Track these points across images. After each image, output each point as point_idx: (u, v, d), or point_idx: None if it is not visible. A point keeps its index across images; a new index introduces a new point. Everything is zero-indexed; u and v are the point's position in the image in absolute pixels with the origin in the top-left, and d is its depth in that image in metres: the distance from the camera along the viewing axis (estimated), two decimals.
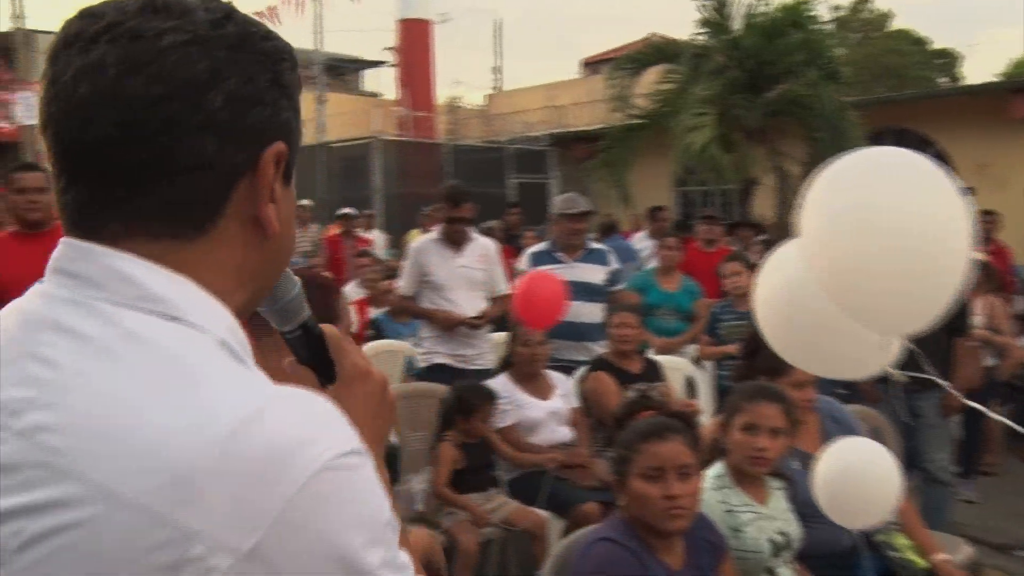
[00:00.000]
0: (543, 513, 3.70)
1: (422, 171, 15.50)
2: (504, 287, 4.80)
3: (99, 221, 0.70)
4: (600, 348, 4.57)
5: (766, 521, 2.46)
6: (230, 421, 0.61)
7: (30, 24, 17.89)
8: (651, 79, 11.20)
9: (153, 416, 0.61)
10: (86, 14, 0.71)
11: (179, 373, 0.64)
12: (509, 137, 17.81)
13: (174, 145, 0.68)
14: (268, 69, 0.74)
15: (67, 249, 0.71)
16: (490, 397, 3.86)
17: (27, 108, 14.03)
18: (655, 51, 11.43)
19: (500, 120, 18.86)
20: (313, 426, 0.65)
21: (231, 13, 0.73)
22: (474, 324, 4.54)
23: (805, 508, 2.48)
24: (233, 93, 0.70)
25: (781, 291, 1.96)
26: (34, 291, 0.71)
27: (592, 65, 24.63)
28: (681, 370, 4.97)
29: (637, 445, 2.11)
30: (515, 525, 3.67)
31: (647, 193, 11.49)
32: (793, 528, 2.51)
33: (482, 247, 4.76)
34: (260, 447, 0.61)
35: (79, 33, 0.69)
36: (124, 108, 0.67)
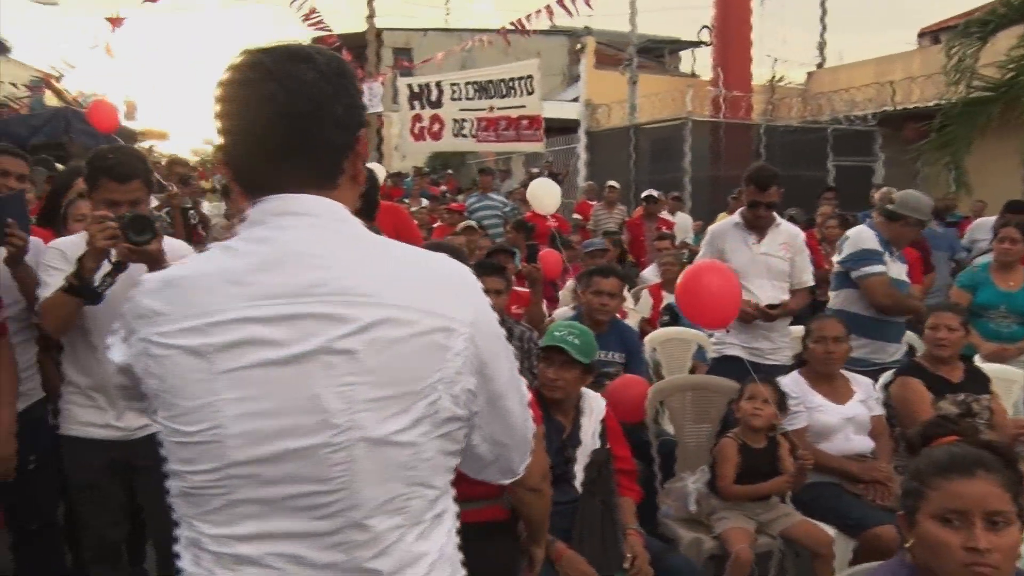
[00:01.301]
0: (830, 530, 3.36)
1: (734, 153, 14.97)
2: (809, 278, 4.46)
3: (290, 184, 1.23)
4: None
5: None
6: (439, 266, 1.27)
7: (378, 24, 19.87)
8: (1002, 45, 9.74)
9: (403, 268, 1.24)
10: (251, 63, 1.22)
11: (388, 248, 1.27)
12: (830, 117, 16.60)
13: (321, 138, 1.23)
14: (355, 85, 1.27)
15: (283, 202, 1.22)
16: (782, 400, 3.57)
17: (372, 98, 15.62)
18: (1012, 9, 9.87)
19: (821, 99, 17.63)
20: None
21: (333, 55, 1.26)
22: (769, 315, 4.23)
23: None
24: (345, 103, 1.24)
25: None
26: (280, 227, 1.21)
27: (931, 34, 22.15)
28: (1016, 382, 4.27)
29: (933, 479, 1.72)
30: (796, 540, 3.37)
31: (989, 178, 10.07)
32: None
33: (786, 234, 4.44)
34: (460, 273, 1.28)
35: (252, 77, 1.21)
36: (300, 115, 1.21)
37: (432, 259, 1.28)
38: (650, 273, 7.53)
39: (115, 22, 11.04)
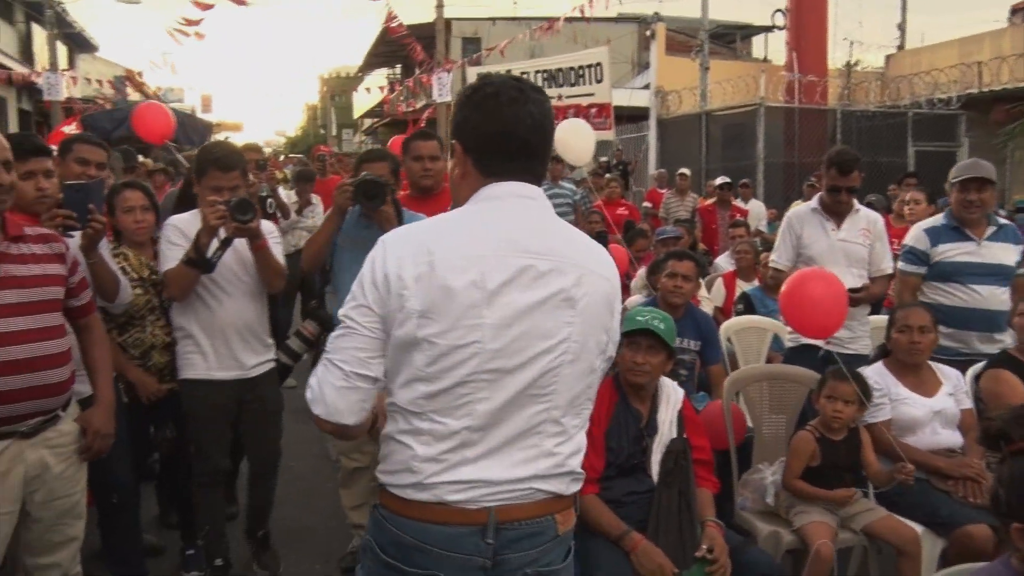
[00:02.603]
0: (916, 527, 3.24)
1: (809, 140, 14.59)
2: (888, 265, 4.32)
3: (522, 175, 1.72)
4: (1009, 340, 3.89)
5: None
6: (598, 246, 1.80)
7: (447, 13, 19.92)
8: None
9: (595, 255, 1.74)
10: (511, 87, 1.70)
11: (573, 229, 1.80)
12: (911, 101, 16.03)
13: (548, 146, 1.75)
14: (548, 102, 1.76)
15: (521, 187, 1.70)
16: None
17: (441, 88, 15.65)
18: None
19: (901, 82, 17.03)
20: None
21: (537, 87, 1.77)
22: (851, 299, 4.09)
23: None
24: (549, 120, 1.74)
25: None
26: (519, 205, 1.70)
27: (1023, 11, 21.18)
28: None
29: None
30: (880, 536, 3.26)
31: None
32: None
33: (866, 220, 4.31)
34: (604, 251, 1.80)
35: (516, 97, 1.68)
36: (544, 131, 1.73)
37: (589, 240, 1.80)
38: (723, 261, 7.39)
39: (192, 23, 11.29)
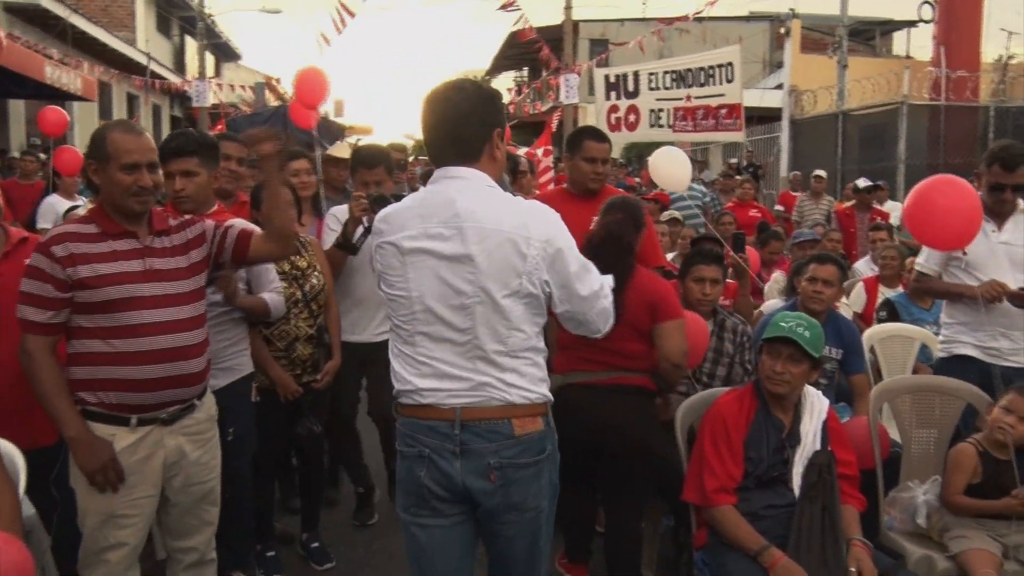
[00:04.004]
0: None
1: (956, 139, 13.71)
2: None
3: (451, 160, 2.26)
4: None
5: None
6: (532, 206, 2.26)
7: (575, 15, 19.87)
8: None
9: (512, 216, 2.18)
10: (436, 90, 2.26)
11: (505, 199, 2.25)
12: None
13: (475, 131, 2.24)
14: (496, 101, 2.29)
15: (447, 170, 2.26)
16: None
17: (569, 89, 15.63)
18: None
19: None
20: None
21: (481, 86, 2.33)
22: (1021, 296, 3.76)
23: None
24: (491, 113, 2.26)
25: None
26: (444, 184, 2.26)
27: None
28: None
29: None
30: None
31: None
32: None
33: None
34: (543, 210, 2.24)
35: (433, 98, 2.25)
36: (467, 120, 2.24)
37: (531, 203, 2.29)
38: (863, 266, 7.03)
39: (339, 25, 11.65)
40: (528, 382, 2.21)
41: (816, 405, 2.98)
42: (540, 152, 9.84)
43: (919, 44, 24.69)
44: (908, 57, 22.87)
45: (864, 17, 24.11)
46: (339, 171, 5.08)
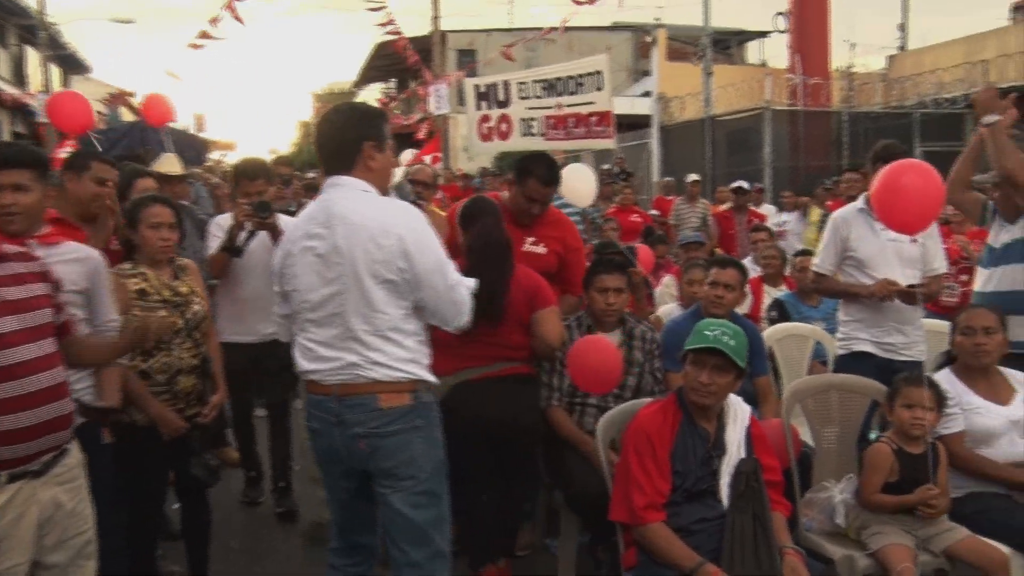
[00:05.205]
0: (1004, 549, 3.00)
1: (814, 143, 14.41)
2: (942, 265, 4.10)
3: (333, 170, 2.69)
4: None
5: None
6: (398, 205, 2.73)
7: (443, 26, 19.75)
8: None
9: (375, 213, 2.57)
10: (328, 112, 2.79)
11: (374, 200, 2.62)
12: (915, 101, 15.85)
13: (352, 146, 2.64)
14: (375, 118, 2.73)
15: (332, 179, 2.67)
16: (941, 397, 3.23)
17: (438, 100, 15.45)
18: None
19: (905, 83, 16.88)
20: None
21: (356, 107, 2.93)
22: (911, 294, 3.85)
23: None
24: (361, 128, 2.66)
25: None
26: (328, 191, 2.68)
27: None
28: None
29: None
30: (964, 559, 3.02)
31: None
32: None
33: None
34: (406, 207, 2.70)
35: (326, 118, 2.75)
36: (341, 136, 2.67)
37: (398, 203, 2.71)
38: (746, 267, 7.16)
39: (206, 36, 11.09)
40: (394, 361, 2.52)
41: (739, 412, 2.91)
42: (429, 159, 9.65)
43: (772, 54, 25.91)
44: (764, 65, 23.93)
45: (721, 28, 25.10)
46: (171, 188, 5.01)
